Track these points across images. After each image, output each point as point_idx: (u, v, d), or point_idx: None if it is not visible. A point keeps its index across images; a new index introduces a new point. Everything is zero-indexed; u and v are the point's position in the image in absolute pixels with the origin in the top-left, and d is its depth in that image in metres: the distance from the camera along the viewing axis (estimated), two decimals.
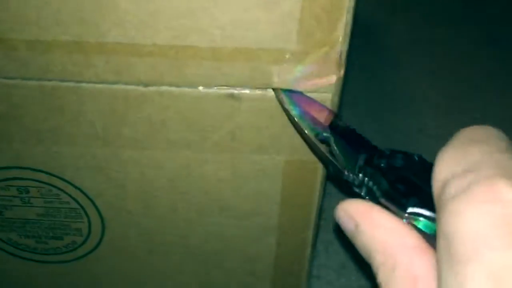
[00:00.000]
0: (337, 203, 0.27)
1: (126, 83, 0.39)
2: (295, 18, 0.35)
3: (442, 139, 0.23)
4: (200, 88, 0.39)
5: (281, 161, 0.43)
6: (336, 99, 0.40)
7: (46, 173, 0.45)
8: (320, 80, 0.38)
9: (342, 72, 0.38)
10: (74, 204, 0.48)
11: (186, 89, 0.39)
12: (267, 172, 0.44)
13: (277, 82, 0.38)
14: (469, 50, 1.08)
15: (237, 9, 0.35)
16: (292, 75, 0.38)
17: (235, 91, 0.39)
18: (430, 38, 1.12)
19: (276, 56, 0.37)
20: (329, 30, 0.36)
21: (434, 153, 0.23)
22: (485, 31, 1.13)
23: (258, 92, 0.39)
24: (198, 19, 0.36)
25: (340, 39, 0.36)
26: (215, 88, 0.39)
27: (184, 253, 0.50)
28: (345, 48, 0.37)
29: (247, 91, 0.39)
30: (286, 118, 0.40)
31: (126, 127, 0.41)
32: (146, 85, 0.39)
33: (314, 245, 0.51)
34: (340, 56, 0.37)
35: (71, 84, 0.39)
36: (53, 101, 0.40)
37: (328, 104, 0.39)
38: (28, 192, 0.48)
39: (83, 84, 0.39)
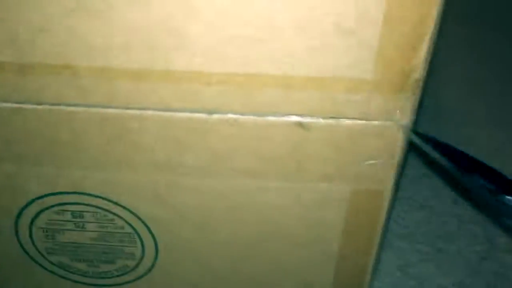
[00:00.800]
0: None
1: (191, 111, 0.38)
2: (373, 46, 0.34)
3: None
4: (268, 117, 0.38)
5: (347, 191, 0.41)
6: (409, 128, 0.38)
7: (104, 198, 0.45)
8: (395, 109, 0.37)
9: (416, 102, 0.37)
10: (128, 229, 0.47)
11: (253, 117, 0.38)
12: (332, 201, 0.42)
13: (350, 112, 0.37)
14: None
15: (311, 36, 0.34)
16: (367, 105, 0.36)
17: (304, 120, 0.38)
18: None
19: (349, 86, 0.35)
20: (408, 59, 0.34)
21: None
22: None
23: (328, 121, 0.37)
24: (269, 46, 0.34)
25: (420, 67, 0.34)
26: (284, 116, 0.38)
27: (239, 280, 0.49)
28: (423, 76, 0.35)
29: (316, 120, 0.38)
30: (353, 147, 0.39)
31: (189, 155, 0.40)
32: (210, 112, 0.38)
33: (374, 271, 0.50)
34: (417, 84, 0.36)
35: (135, 111, 0.38)
36: (115, 128, 0.39)
37: (401, 134, 0.38)
38: (82, 217, 0.47)
39: (147, 112, 0.38)
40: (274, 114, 0.38)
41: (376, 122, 0.37)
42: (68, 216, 0.47)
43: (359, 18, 0.33)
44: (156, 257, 0.49)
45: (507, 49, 1.07)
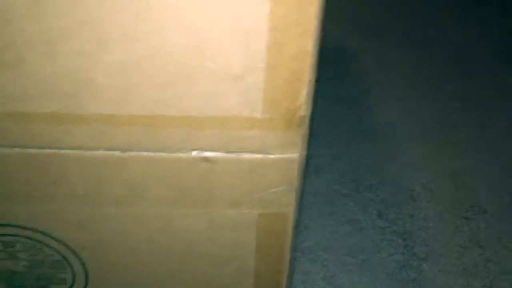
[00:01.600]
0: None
1: (106, 149, 0.42)
2: (260, 89, 0.38)
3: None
4: (176, 153, 0.42)
5: (255, 214, 0.46)
6: (302, 158, 0.43)
7: (32, 229, 0.48)
8: (286, 143, 0.41)
9: (305, 135, 0.41)
10: (58, 257, 0.50)
11: (162, 154, 0.42)
12: (242, 224, 0.46)
13: (248, 147, 0.41)
14: (440, 73, 1.12)
15: (206, 82, 0.38)
16: (262, 140, 0.41)
17: (209, 155, 0.42)
18: (402, 61, 1.16)
19: (244, 124, 0.40)
20: (292, 99, 0.39)
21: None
22: (456, 54, 1.18)
23: (230, 155, 0.42)
24: (170, 91, 0.39)
25: (303, 106, 0.39)
26: (190, 152, 0.42)
27: None
28: (307, 113, 0.40)
29: (220, 154, 0.42)
30: (256, 177, 0.43)
31: (106, 188, 0.44)
32: (124, 150, 0.42)
33: (289, 285, 0.54)
34: (303, 120, 0.40)
35: (53, 150, 0.42)
36: (35, 165, 0.43)
37: (295, 164, 0.42)
38: (14, 246, 0.50)
39: (65, 151, 0.42)
40: (181, 150, 0.42)
41: (272, 156, 0.42)
42: (0, 246, 0.50)
43: (246, 66, 0.37)
44: (86, 282, 0.52)
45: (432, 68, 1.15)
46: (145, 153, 0.42)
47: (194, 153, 0.42)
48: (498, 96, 1.05)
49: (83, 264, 0.51)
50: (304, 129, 0.41)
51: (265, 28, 0.36)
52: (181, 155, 0.42)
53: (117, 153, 0.42)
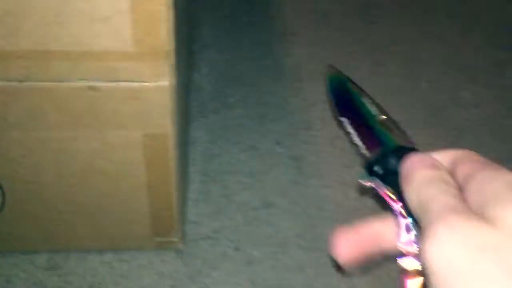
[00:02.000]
0: None
1: (6, 80, 0.50)
2: (127, 27, 0.47)
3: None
4: (65, 82, 0.50)
5: (139, 135, 0.55)
6: (174, 88, 0.52)
7: None
8: (158, 72, 0.50)
9: (173, 65, 0.50)
10: None
11: (53, 84, 0.50)
12: (130, 143, 0.56)
13: (125, 77, 0.50)
14: (347, 20, 1.22)
15: (82, 22, 0.46)
16: (137, 71, 0.49)
17: (93, 84, 0.50)
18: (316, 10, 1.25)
19: (119, 57, 0.49)
20: (155, 36, 0.48)
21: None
22: (364, 4, 1.27)
23: (111, 84, 0.51)
24: (54, 30, 0.46)
25: (166, 42, 0.48)
26: (77, 81, 0.50)
27: (75, 210, 0.62)
28: (172, 47, 0.49)
29: (103, 83, 0.50)
30: (135, 102, 0.52)
31: (10, 114, 0.52)
32: (21, 81, 0.50)
33: (182, 197, 0.65)
34: (169, 54, 0.49)
35: None
36: None
37: (167, 90, 0.51)
38: None
39: None
40: (68, 80, 0.50)
41: (146, 83, 0.51)
42: None
43: (113, 9, 0.46)
44: (3, 200, 0.61)
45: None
46: (39, 83, 0.50)
47: (80, 82, 0.50)
48: (395, 41, 1.16)
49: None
50: (171, 60, 0.50)
51: None
52: (69, 84, 0.50)
53: (15, 83, 0.50)
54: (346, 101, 0.30)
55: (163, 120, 0.54)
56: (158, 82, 0.51)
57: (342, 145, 0.90)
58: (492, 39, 1.19)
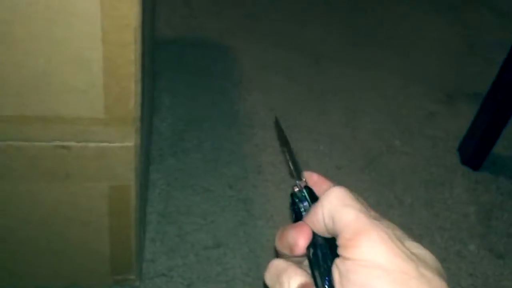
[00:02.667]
0: None
1: None
2: (101, 99, 0.54)
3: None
4: (39, 142, 0.57)
5: (106, 186, 0.62)
6: (138, 147, 0.60)
7: None
8: (124, 135, 0.58)
9: (138, 129, 0.58)
10: None
11: (29, 143, 0.57)
12: (97, 194, 0.63)
13: (96, 138, 0.57)
14: (297, 66, 1.33)
15: (61, 92, 0.54)
16: (107, 134, 0.57)
17: (65, 144, 0.57)
18: (271, 59, 1.36)
19: (91, 122, 0.56)
20: (125, 106, 0.55)
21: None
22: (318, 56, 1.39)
23: (81, 144, 0.58)
24: (31, 99, 0.54)
25: (133, 111, 0.56)
26: (51, 142, 0.57)
27: (38, 253, 0.68)
28: (138, 115, 0.57)
29: (74, 144, 0.58)
30: (104, 159, 0.59)
31: None
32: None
33: (140, 238, 0.72)
34: (135, 120, 0.57)
35: None
36: None
37: (132, 150, 0.59)
38: None
39: None
40: (43, 140, 0.57)
41: (114, 144, 0.59)
42: None
43: (89, 84, 0.53)
44: None
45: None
46: (14, 142, 0.57)
47: (53, 142, 0.57)
48: (340, 91, 1.28)
49: None
50: (137, 124, 0.58)
51: (101, 59, 0.52)
52: (42, 143, 0.57)
53: None
54: (283, 138, 0.40)
55: (127, 175, 0.62)
56: (124, 143, 0.59)
57: (288, 189, 0.99)
58: (427, 93, 1.33)
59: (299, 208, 0.34)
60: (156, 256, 0.84)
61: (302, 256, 0.32)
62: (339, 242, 0.29)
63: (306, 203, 0.34)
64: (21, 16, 0.49)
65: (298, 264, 0.32)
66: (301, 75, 1.30)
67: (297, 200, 0.35)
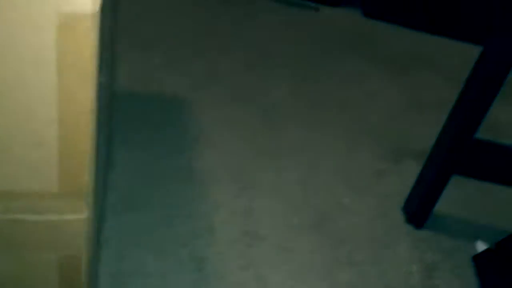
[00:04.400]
0: None
1: None
2: (55, 176, 0.56)
3: None
4: None
5: (56, 257, 0.63)
6: (91, 219, 0.61)
7: None
8: (75, 207, 0.60)
9: (91, 203, 0.60)
10: None
11: None
12: (46, 263, 0.63)
13: (46, 210, 0.59)
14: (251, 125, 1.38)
15: (13, 168, 0.55)
16: (59, 206, 0.58)
17: (17, 216, 0.59)
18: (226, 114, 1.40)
19: (46, 195, 0.58)
20: (78, 182, 0.57)
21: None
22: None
23: (35, 216, 0.59)
24: None
25: (86, 186, 0.58)
26: (5, 214, 0.58)
27: None
28: (91, 190, 0.59)
29: (28, 216, 0.59)
30: (56, 230, 0.60)
31: None
32: None
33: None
34: (88, 194, 0.59)
35: None
36: None
37: (84, 221, 0.61)
38: None
39: None
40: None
41: (66, 216, 0.60)
42: None
43: (42, 163, 0.55)
44: None
45: None
46: None
47: (3, 215, 0.58)
48: (296, 150, 1.33)
49: None
50: (90, 198, 0.59)
51: (56, 138, 0.54)
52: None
53: None
54: None
55: (79, 245, 0.63)
56: (77, 215, 0.60)
57: (241, 248, 1.02)
58: (375, 150, 1.40)
59: None
60: None
61: None
62: None
63: None
64: None
65: None
66: (256, 132, 1.35)
67: None
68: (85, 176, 0.57)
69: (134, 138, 1.23)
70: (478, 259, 1.11)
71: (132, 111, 1.31)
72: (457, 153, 1.09)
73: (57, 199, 0.58)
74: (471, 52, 1.25)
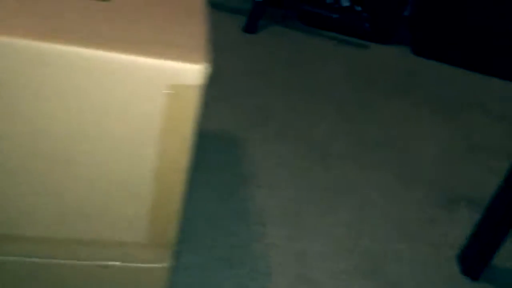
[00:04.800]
0: None
1: (34, 256, 0.60)
2: (145, 230, 0.59)
3: None
4: (84, 261, 0.61)
5: None
6: (171, 265, 0.64)
7: None
8: (159, 257, 0.62)
9: (174, 253, 0.63)
10: None
11: (74, 262, 0.61)
12: None
13: (135, 259, 0.62)
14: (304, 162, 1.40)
15: (106, 220, 0.59)
16: (146, 255, 0.62)
17: (105, 263, 0.62)
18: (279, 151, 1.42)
19: (135, 245, 0.61)
20: (166, 235, 0.60)
21: None
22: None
23: (123, 264, 0.62)
24: (78, 224, 0.58)
25: (172, 238, 0.61)
26: (91, 261, 0.61)
27: None
28: (175, 241, 0.62)
29: (113, 263, 0.62)
30: (142, 277, 0.63)
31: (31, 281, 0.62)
32: (41, 258, 0.60)
33: None
34: (172, 246, 0.62)
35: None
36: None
37: (166, 270, 0.63)
38: None
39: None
40: (83, 260, 0.61)
41: (151, 265, 0.63)
42: None
43: (134, 215, 0.58)
44: None
45: None
46: (60, 261, 0.61)
47: (96, 262, 0.62)
48: (346, 189, 1.34)
49: None
50: (173, 248, 0.62)
51: (151, 194, 0.57)
52: (87, 262, 0.61)
53: (35, 259, 0.60)
54: None
55: None
56: (161, 264, 0.63)
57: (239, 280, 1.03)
58: (428, 196, 1.39)
59: None
60: None
61: None
62: None
63: None
64: (84, 155, 0.54)
65: None
66: (307, 172, 1.36)
67: None
68: (173, 229, 0.60)
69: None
70: None
71: None
72: None
73: (144, 249, 0.61)
74: None
